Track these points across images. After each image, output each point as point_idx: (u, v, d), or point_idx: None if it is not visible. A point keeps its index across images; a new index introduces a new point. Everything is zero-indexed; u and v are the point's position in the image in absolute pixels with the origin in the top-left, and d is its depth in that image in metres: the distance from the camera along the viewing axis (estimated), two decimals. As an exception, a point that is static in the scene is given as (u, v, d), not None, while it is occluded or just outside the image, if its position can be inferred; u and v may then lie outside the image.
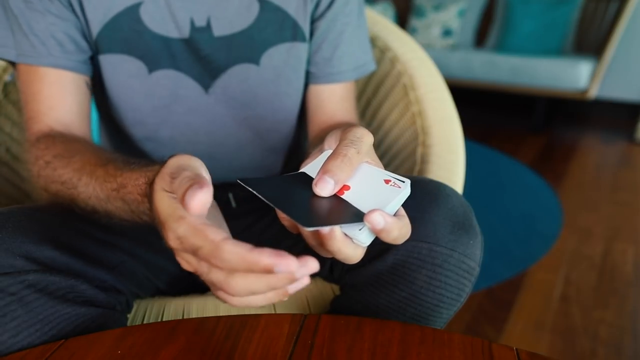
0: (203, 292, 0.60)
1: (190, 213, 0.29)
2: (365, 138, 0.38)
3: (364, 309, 0.49)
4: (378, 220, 0.31)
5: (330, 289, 0.59)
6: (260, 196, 0.35)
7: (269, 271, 0.26)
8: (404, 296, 0.46)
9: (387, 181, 0.36)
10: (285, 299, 0.31)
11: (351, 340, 0.38)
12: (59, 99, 0.53)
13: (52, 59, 0.52)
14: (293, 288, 0.30)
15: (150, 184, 0.35)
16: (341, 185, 0.36)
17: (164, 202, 0.32)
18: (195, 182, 0.29)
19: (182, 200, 0.29)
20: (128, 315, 0.53)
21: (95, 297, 0.45)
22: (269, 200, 0.34)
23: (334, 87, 0.63)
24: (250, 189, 0.35)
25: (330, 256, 0.35)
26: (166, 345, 0.37)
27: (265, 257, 0.26)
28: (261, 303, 0.31)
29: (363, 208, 0.35)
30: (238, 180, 0.36)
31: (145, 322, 0.54)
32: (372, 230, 0.32)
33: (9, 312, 0.38)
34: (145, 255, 0.57)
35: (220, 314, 0.53)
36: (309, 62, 0.63)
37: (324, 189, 0.35)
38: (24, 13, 0.50)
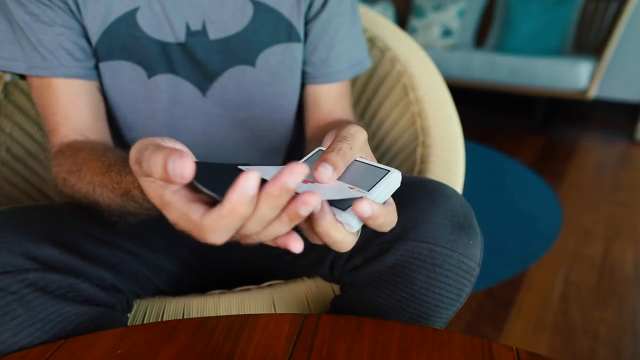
0: (203, 292, 0.60)
1: (180, 184, 0.29)
2: (358, 134, 0.38)
3: (363, 308, 0.49)
4: (365, 209, 0.31)
5: (330, 289, 0.59)
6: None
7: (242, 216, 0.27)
8: (403, 296, 0.46)
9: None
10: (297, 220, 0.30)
11: (351, 340, 0.38)
12: (73, 109, 0.54)
13: (64, 69, 0.52)
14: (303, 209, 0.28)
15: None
16: (339, 174, 0.36)
17: (150, 192, 0.32)
18: (168, 155, 0.28)
19: (165, 178, 0.28)
20: (128, 315, 0.53)
21: (95, 296, 0.45)
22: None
23: (331, 87, 0.64)
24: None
25: (320, 242, 0.34)
26: (166, 345, 0.38)
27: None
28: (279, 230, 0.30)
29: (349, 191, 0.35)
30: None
31: (145, 322, 0.54)
32: (360, 218, 0.32)
33: (9, 311, 0.38)
34: (145, 255, 0.57)
35: (220, 314, 0.53)
36: (305, 62, 0.63)
37: (324, 174, 0.34)
38: (30, 26, 0.50)
